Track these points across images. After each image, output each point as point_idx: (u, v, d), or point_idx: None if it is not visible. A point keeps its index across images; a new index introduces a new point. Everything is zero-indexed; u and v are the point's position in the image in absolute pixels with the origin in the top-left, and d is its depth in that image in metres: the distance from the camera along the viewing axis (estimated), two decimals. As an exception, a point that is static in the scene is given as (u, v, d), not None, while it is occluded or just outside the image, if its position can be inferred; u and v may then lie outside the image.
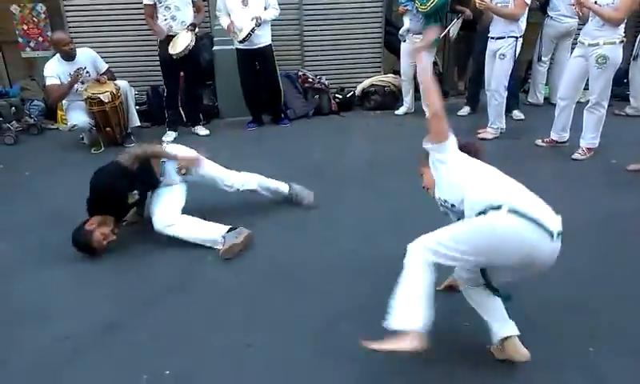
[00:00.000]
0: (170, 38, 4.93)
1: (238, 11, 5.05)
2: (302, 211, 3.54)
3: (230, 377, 2.10)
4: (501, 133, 4.95)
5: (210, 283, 2.75)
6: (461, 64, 6.63)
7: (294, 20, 6.14)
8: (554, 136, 4.58)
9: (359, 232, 3.23)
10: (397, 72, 6.23)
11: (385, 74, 6.45)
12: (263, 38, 5.19)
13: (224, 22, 5.13)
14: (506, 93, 4.82)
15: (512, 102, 5.45)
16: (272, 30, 5.35)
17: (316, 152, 4.77)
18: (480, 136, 4.90)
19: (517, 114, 5.58)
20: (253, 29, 4.98)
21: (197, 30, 5.06)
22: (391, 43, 6.29)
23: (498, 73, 4.74)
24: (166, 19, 4.94)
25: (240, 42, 5.07)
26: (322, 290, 2.65)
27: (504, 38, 4.61)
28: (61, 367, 2.17)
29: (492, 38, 4.74)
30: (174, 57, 4.84)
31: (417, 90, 5.83)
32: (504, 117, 4.95)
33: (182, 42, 4.85)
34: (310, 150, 4.85)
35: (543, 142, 4.65)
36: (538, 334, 2.21)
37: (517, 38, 4.58)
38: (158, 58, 5.17)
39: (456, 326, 2.27)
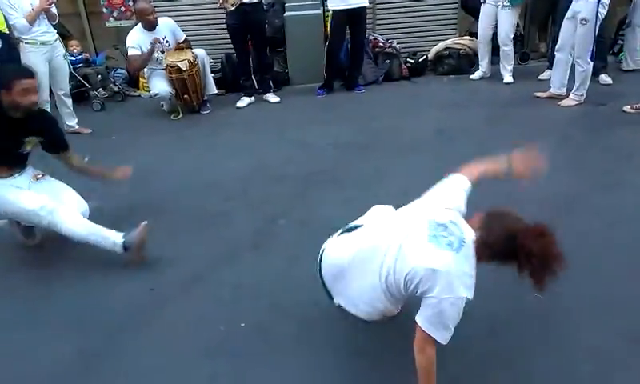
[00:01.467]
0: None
1: None
2: (371, 174, 3.56)
3: (301, 332, 2.20)
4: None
5: (282, 243, 2.86)
6: (541, 24, 6.21)
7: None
8: (646, 101, 4.23)
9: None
10: (473, 34, 5.96)
11: (460, 36, 6.19)
12: None
13: None
14: (592, 60, 4.49)
15: (599, 66, 5.07)
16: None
17: (384, 119, 4.72)
18: (563, 104, 4.64)
19: (604, 78, 5.19)
20: None
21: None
22: (468, 3, 6.00)
23: (580, 40, 4.41)
24: None
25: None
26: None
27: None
28: (148, 315, 2.38)
29: None
30: (232, 6, 4.87)
31: (494, 53, 5.58)
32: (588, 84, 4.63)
33: None
34: (378, 116, 4.81)
35: (632, 108, 4.32)
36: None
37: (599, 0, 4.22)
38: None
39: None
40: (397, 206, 3.10)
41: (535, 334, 2.07)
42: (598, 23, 4.32)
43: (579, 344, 2.00)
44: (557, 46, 4.73)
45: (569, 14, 4.48)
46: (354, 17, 5.18)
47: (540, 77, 5.47)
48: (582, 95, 4.62)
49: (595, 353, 1.95)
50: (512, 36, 5.35)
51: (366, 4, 5.19)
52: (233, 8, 4.89)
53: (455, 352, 2.00)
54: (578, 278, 2.36)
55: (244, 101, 5.44)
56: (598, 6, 4.23)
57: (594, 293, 2.28)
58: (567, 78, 4.74)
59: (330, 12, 5.22)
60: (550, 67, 5.43)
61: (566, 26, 4.56)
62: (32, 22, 4.26)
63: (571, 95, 4.66)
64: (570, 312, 2.18)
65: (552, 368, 1.91)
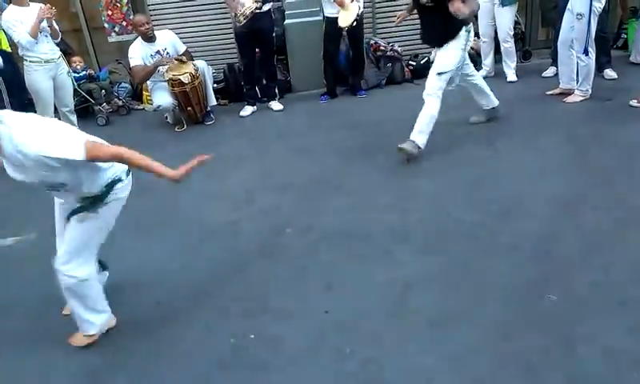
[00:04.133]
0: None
1: None
2: (376, 179, 3.55)
3: (312, 342, 2.18)
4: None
5: (289, 253, 2.85)
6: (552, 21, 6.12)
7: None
8: (653, 95, 4.17)
9: (434, 201, 3.19)
10: (474, 34, 5.93)
11: (461, 37, 6.17)
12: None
13: None
14: (593, 53, 4.43)
15: (603, 61, 5.04)
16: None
17: (388, 123, 4.69)
18: (569, 100, 4.60)
19: (609, 73, 5.13)
20: (357, 17, 4.82)
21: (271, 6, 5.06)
22: (468, 4, 5.99)
23: (578, 35, 4.40)
24: None
25: (345, 28, 4.92)
26: (399, 254, 2.68)
27: None
28: (156, 329, 2.37)
29: None
30: (243, 20, 4.85)
31: (497, 51, 5.56)
32: (592, 78, 4.58)
33: (248, 6, 4.86)
34: (382, 121, 4.78)
35: (639, 102, 4.27)
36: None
37: None
38: (233, 36, 5.29)
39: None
40: (402, 210, 3.12)
41: (550, 335, 2.04)
42: (594, 17, 4.30)
43: (594, 344, 1.97)
44: (558, 41, 4.71)
45: (568, 6, 4.47)
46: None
47: (544, 74, 5.44)
48: (587, 90, 4.58)
49: (610, 353, 1.92)
50: (512, 33, 5.32)
51: (360, 10, 5.13)
52: (245, 21, 4.87)
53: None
54: (589, 277, 2.34)
55: (247, 110, 5.44)
56: (591, 0, 4.24)
57: (606, 291, 2.25)
58: (575, 71, 4.66)
59: (325, 19, 5.22)
60: (553, 64, 5.39)
61: (565, 20, 4.53)
62: (35, 34, 4.23)
63: (576, 91, 4.62)
64: (583, 311, 2.15)
65: (569, 369, 1.88)
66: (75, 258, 2.15)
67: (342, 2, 4.80)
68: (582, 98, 4.57)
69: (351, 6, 4.81)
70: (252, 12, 4.84)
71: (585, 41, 4.34)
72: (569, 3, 4.44)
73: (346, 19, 4.85)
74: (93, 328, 2.29)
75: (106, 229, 2.23)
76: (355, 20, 4.79)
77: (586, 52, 4.38)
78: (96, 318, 2.29)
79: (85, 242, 2.17)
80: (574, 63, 4.62)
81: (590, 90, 4.57)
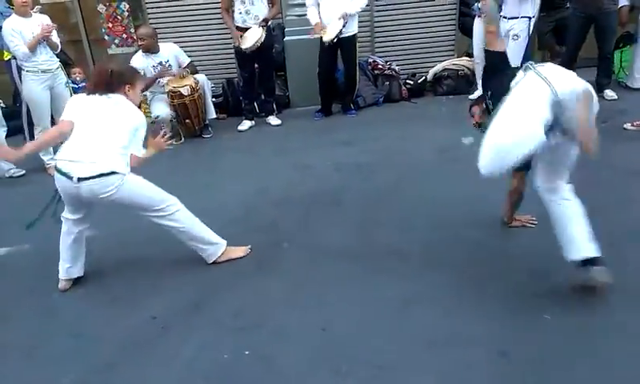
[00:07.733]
0: (242, 30, 5.07)
1: (327, 3, 5.05)
2: (371, 197, 3.55)
3: (307, 359, 2.16)
4: None
5: (286, 267, 2.84)
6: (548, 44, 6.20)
7: (365, 6, 6.06)
8: (649, 117, 4.24)
9: (433, 219, 3.18)
10: (470, 55, 6.01)
11: (458, 57, 6.24)
12: (350, 26, 5.13)
13: (312, 14, 5.14)
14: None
15: (604, 82, 5.17)
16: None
17: (386, 140, 4.73)
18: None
19: (609, 93, 5.19)
20: (340, 32, 4.98)
21: (269, 23, 5.16)
22: (465, 25, 6.07)
23: (512, 54, 4.58)
24: (240, 13, 5.09)
25: (326, 42, 5.05)
26: (397, 271, 2.68)
27: (517, 18, 4.64)
28: (151, 343, 2.34)
29: (504, 18, 4.69)
30: (244, 51, 4.99)
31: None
32: None
33: (252, 38, 4.99)
34: (379, 138, 4.81)
35: (633, 125, 4.32)
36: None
37: (530, 18, 4.61)
38: (232, 51, 5.35)
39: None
40: (401, 228, 3.11)
41: (547, 354, 2.03)
42: (527, 39, 4.67)
43: (593, 364, 1.96)
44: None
45: (501, 32, 4.66)
46: (343, 44, 5.22)
47: None
48: None
49: (608, 374, 1.91)
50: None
51: (354, 32, 5.22)
52: (247, 51, 5.01)
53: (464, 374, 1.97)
54: (586, 298, 2.34)
55: (245, 124, 5.46)
56: (529, 22, 4.60)
57: (604, 312, 2.24)
58: None
59: (319, 39, 5.28)
60: None
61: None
62: (32, 49, 4.26)
63: None
64: (581, 332, 2.14)
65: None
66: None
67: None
68: None
69: (252, 31, 5.02)
70: (256, 44, 4.96)
71: (520, 58, 4.61)
72: (501, 29, 4.65)
73: (329, 34, 5.01)
74: (212, 256, 2.86)
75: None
76: (337, 36, 4.94)
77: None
78: (212, 248, 2.85)
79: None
80: None
81: None
